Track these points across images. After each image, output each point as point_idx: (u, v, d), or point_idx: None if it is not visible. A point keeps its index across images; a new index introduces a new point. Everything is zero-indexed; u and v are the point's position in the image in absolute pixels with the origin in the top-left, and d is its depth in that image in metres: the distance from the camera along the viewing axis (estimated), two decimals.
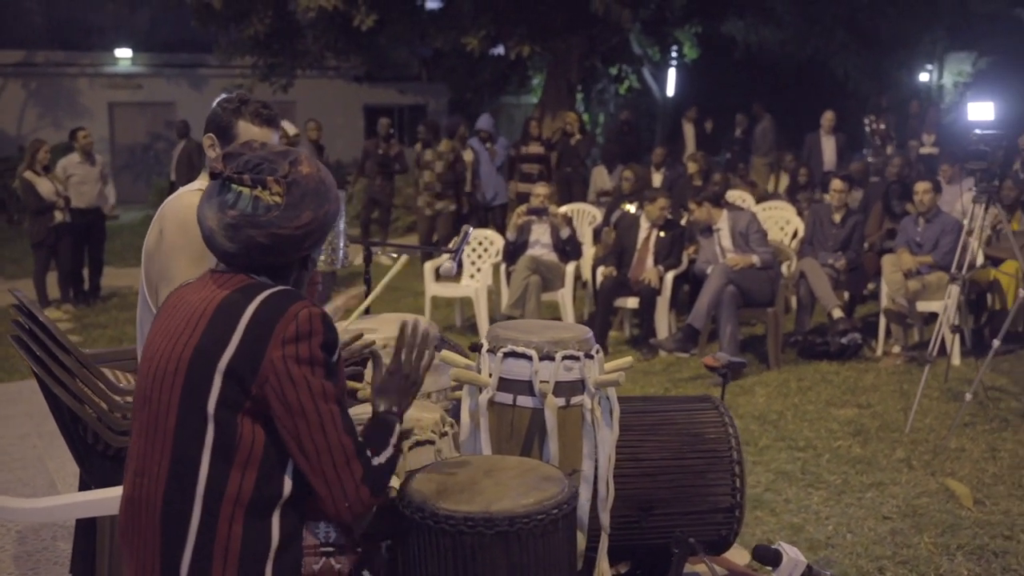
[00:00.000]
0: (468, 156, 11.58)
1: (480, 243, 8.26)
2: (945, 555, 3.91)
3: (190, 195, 2.81)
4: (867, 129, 11.74)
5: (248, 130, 2.70)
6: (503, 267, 7.78)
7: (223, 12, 12.39)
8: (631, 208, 8.08)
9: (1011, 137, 7.53)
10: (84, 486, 3.18)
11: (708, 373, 5.53)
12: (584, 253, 8.31)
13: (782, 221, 8.74)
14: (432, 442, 2.35)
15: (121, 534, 1.95)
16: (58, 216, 8.86)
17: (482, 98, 18.37)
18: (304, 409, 1.82)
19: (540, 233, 7.72)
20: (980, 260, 6.88)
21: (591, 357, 2.37)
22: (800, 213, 8.92)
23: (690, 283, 7.47)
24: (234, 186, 1.89)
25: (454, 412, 2.65)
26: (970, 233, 5.61)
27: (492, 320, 7.37)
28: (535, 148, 11.16)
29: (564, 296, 7.55)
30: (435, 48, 14.93)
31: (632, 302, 7.33)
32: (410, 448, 2.32)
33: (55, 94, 18.87)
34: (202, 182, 2.85)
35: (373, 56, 14.77)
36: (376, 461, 1.91)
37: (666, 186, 10.30)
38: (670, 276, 7.26)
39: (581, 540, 2.40)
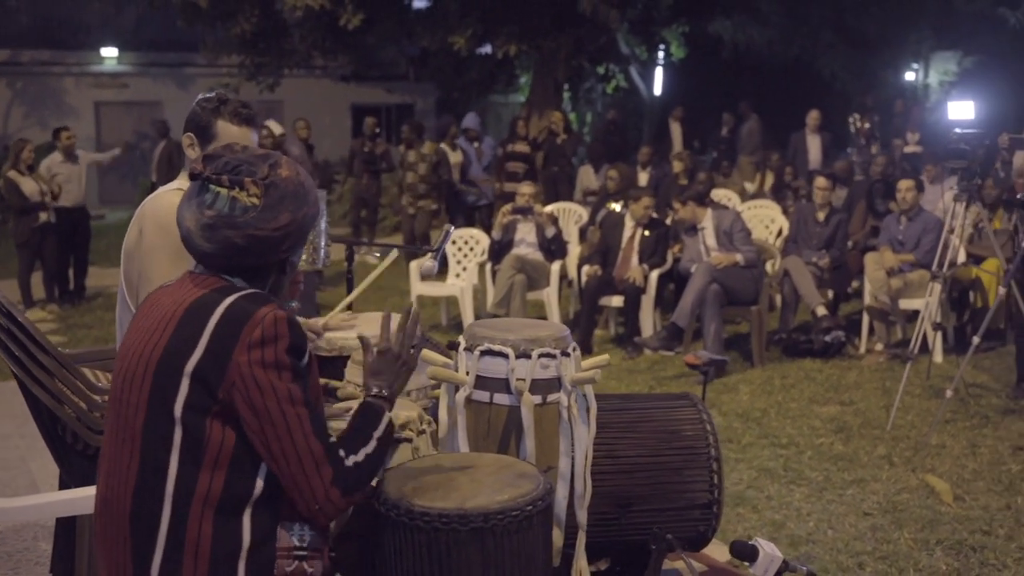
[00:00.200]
0: (457, 157, 11.60)
1: (466, 242, 8.27)
2: (924, 550, 3.95)
3: (169, 195, 2.82)
4: (852, 128, 11.79)
5: (227, 129, 2.71)
6: (489, 266, 7.79)
7: (209, 11, 12.37)
8: (616, 207, 8.10)
9: (992, 136, 7.57)
10: (64, 486, 3.17)
11: (693, 371, 5.56)
12: (570, 252, 8.34)
13: (767, 219, 8.78)
14: (410, 440, 2.36)
15: (95, 534, 1.96)
16: (42, 216, 8.83)
17: (469, 97, 18.36)
18: (271, 414, 1.83)
19: (525, 232, 7.74)
20: (962, 258, 6.93)
21: (568, 355, 2.38)
22: (785, 212, 8.96)
23: (675, 282, 7.50)
24: (212, 187, 1.89)
25: (434, 410, 2.66)
26: (951, 231, 5.66)
27: (478, 319, 7.38)
28: (521, 147, 11.19)
29: (549, 295, 7.57)
30: (422, 47, 14.93)
31: (617, 301, 7.36)
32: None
33: (41, 93, 18.78)
34: (181, 182, 2.86)
35: (360, 55, 14.77)
36: (352, 460, 1.90)
37: (652, 185, 10.34)
38: (655, 275, 7.29)
39: (559, 537, 2.41)
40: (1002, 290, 5.40)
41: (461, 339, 2.44)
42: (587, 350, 7.10)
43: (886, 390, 6.13)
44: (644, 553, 2.75)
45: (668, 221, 7.75)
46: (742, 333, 7.57)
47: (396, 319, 2.11)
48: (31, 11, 18.87)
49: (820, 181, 7.64)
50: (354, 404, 2.27)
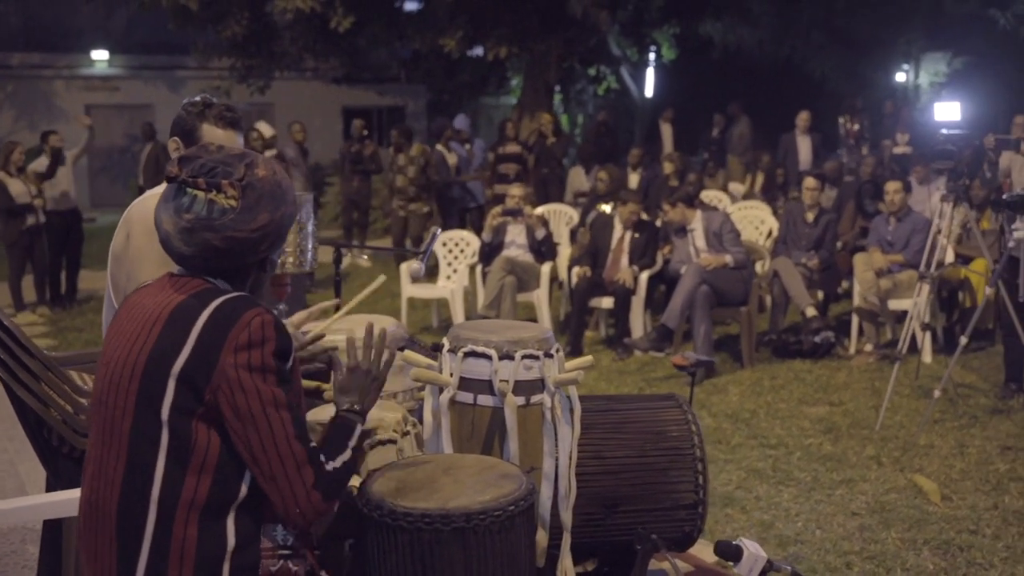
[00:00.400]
0: (454, 158, 11.60)
1: (456, 244, 8.28)
2: (912, 550, 3.97)
3: (156, 198, 2.81)
4: (841, 130, 11.83)
5: (212, 133, 2.71)
6: (479, 268, 7.80)
7: (200, 14, 12.36)
8: (606, 208, 8.12)
9: (979, 136, 7.61)
10: (51, 489, 3.17)
11: (683, 372, 5.58)
12: (561, 253, 8.35)
13: (757, 221, 8.80)
14: (394, 441, 2.37)
15: (79, 537, 1.96)
16: (30, 219, 8.79)
17: (461, 99, 18.39)
18: (254, 417, 1.83)
19: (516, 234, 7.75)
20: (950, 258, 6.96)
21: (551, 356, 2.39)
22: (775, 213, 8.98)
23: (665, 283, 7.51)
24: (189, 190, 1.89)
25: (420, 412, 2.66)
26: (939, 232, 5.68)
27: (468, 321, 7.39)
28: (512, 148, 11.20)
29: (540, 297, 7.58)
30: (413, 49, 14.94)
31: (607, 302, 7.37)
32: (372, 448, 2.33)
33: (31, 96, 18.74)
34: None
35: (351, 58, 14.77)
36: (331, 466, 1.91)
37: (643, 186, 10.35)
38: (644, 276, 7.31)
39: (543, 537, 2.42)
40: (989, 290, 5.43)
41: (445, 341, 2.45)
42: (578, 351, 7.11)
43: (875, 390, 6.15)
44: (631, 553, 2.76)
45: (658, 223, 7.77)
46: (732, 334, 7.59)
47: (372, 324, 2.12)
48: (21, 14, 18.83)
49: (809, 182, 7.67)
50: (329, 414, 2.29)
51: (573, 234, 8.98)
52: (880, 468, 4.88)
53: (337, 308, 3.90)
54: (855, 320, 7.20)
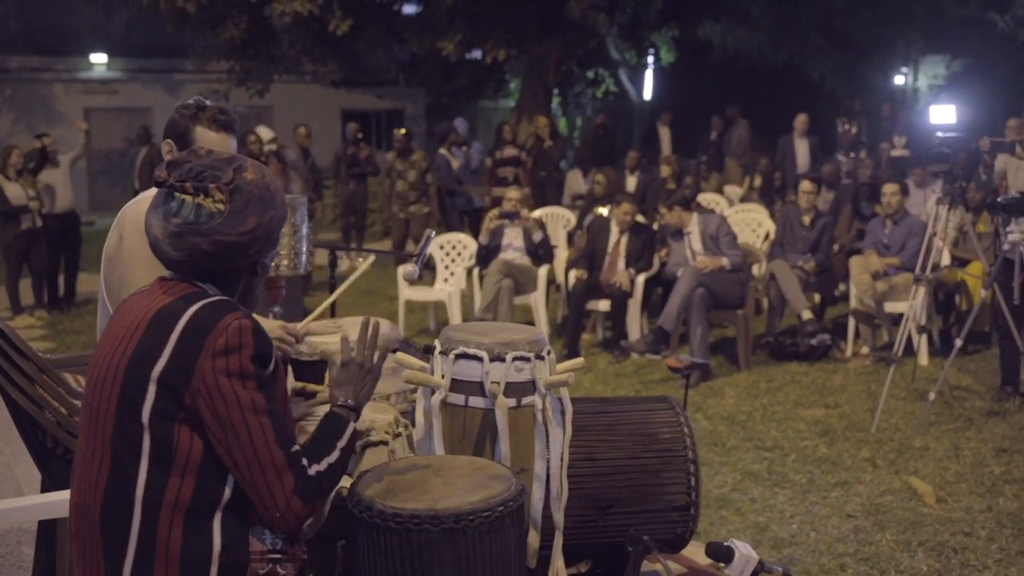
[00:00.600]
0: (457, 162, 11.60)
1: (453, 247, 8.29)
2: (906, 552, 3.97)
3: (149, 201, 2.82)
4: (840, 132, 11.85)
5: (205, 136, 2.72)
6: (476, 271, 7.81)
7: (198, 17, 12.37)
8: (603, 211, 8.13)
9: (975, 140, 7.61)
10: (46, 490, 3.18)
11: (678, 375, 5.59)
12: (558, 256, 8.36)
13: (754, 223, 8.81)
14: (385, 443, 2.38)
15: (70, 538, 1.97)
16: (25, 222, 8.80)
17: (459, 102, 18.41)
18: (233, 422, 1.83)
19: (513, 237, 7.75)
20: (946, 261, 6.97)
21: (541, 358, 2.40)
22: (773, 215, 8.99)
23: (662, 286, 7.52)
24: (177, 194, 1.90)
25: (413, 414, 2.67)
26: (934, 234, 5.70)
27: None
28: (509, 152, 11.20)
29: (536, 299, 7.58)
30: (412, 53, 14.96)
31: (604, 305, 7.38)
32: (364, 449, 2.34)
33: (30, 100, 18.75)
34: None
35: (350, 61, 14.78)
36: (314, 469, 1.90)
37: (640, 189, 10.36)
38: (641, 279, 7.32)
39: (535, 538, 2.43)
40: (984, 292, 5.44)
41: (437, 343, 2.46)
42: (575, 354, 7.11)
43: (871, 393, 6.15)
44: (623, 555, 2.76)
45: (655, 226, 7.78)
46: (728, 337, 7.60)
47: (370, 325, 2.13)
48: (20, 17, 18.85)
49: (805, 185, 7.68)
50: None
51: (570, 237, 8.99)
52: (875, 470, 4.89)
53: (333, 311, 3.91)
54: (851, 323, 7.20)
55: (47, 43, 18.80)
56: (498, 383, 2.31)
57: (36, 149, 9.34)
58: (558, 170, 11.83)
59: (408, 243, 10.75)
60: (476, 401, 2.35)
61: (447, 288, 7.93)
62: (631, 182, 10.65)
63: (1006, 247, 5.26)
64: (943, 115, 5.89)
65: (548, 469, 2.43)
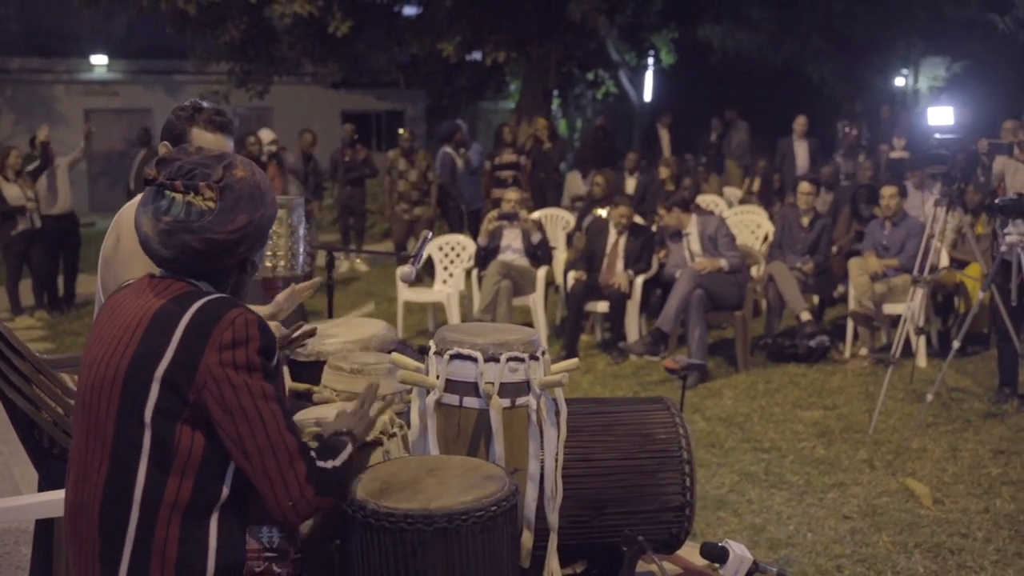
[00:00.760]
0: (461, 162, 11.60)
1: (453, 248, 8.29)
2: (902, 553, 3.98)
3: None
4: (840, 135, 11.86)
5: (202, 137, 2.72)
6: (475, 272, 7.81)
7: (199, 19, 12.37)
8: (602, 213, 8.15)
9: (973, 141, 7.62)
10: (43, 490, 3.18)
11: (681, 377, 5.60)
12: (557, 258, 8.36)
13: (753, 225, 8.82)
14: (380, 443, 2.38)
15: (65, 537, 1.98)
16: (21, 223, 8.80)
17: (460, 104, 18.41)
18: (245, 410, 1.84)
19: (511, 238, 7.76)
20: (944, 263, 6.97)
21: (536, 359, 2.41)
22: (772, 217, 9.00)
23: (661, 287, 7.53)
24: (167, 192, 1.90)
25: (408, 414, 2.68)
26: (932, 236, 5.70)
27: None
28: (508, 156, 11.19)
29: (535, 300, 7.59)
30: (412, 54, 14.96)
31: (602, 306, 7.39)
32: (358, 449, 2.34)
33: (30, 101, 18.77)
34: None
35: (350, 62, 14.79)
36: (322, 464, 1.93)
37: (639, 191, 10.37)
38: (639, 280, 7.33)
39: (528, 538, 2.43)
40: (982, 294, 5.44)
41: (431, 343, 2.47)
42: (573, 355, 7.12)
43: (869, 394, 6.16)
44: (619, 555, 2.77)
45: (654, 227, 7.79)
46: (727, 338, 7.60)
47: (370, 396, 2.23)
48: (21, 19, 18.87)
49: (804, 186, 7.69)
50: (319, 415, 2.32)
51: (569, 238, 9.00)
52: (872, 472, 4.89)
53: (329, 314, 3.92)
54: (850, 324, 7.21)
55: (48, 44, 18.82)
56: (492, 383, 2.32)
57: (33, 150, 9.34)
58: (557, 172, 11.83)
59: (410, 243, 10.76)
60: (471, 401, 2.36)
61: (446, 289, 7.94)
62: (630, 184, 10.66)
63: (1003, 249, 5.27)
64: (941, 117, 5.89)
65: (542, 469, 2.43)
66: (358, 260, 11.57)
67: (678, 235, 7.27)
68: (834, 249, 7.96)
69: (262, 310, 2.80)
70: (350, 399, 2.68)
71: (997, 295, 5.45)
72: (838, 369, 6.85)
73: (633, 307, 7.32)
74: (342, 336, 3.23)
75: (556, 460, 2.47)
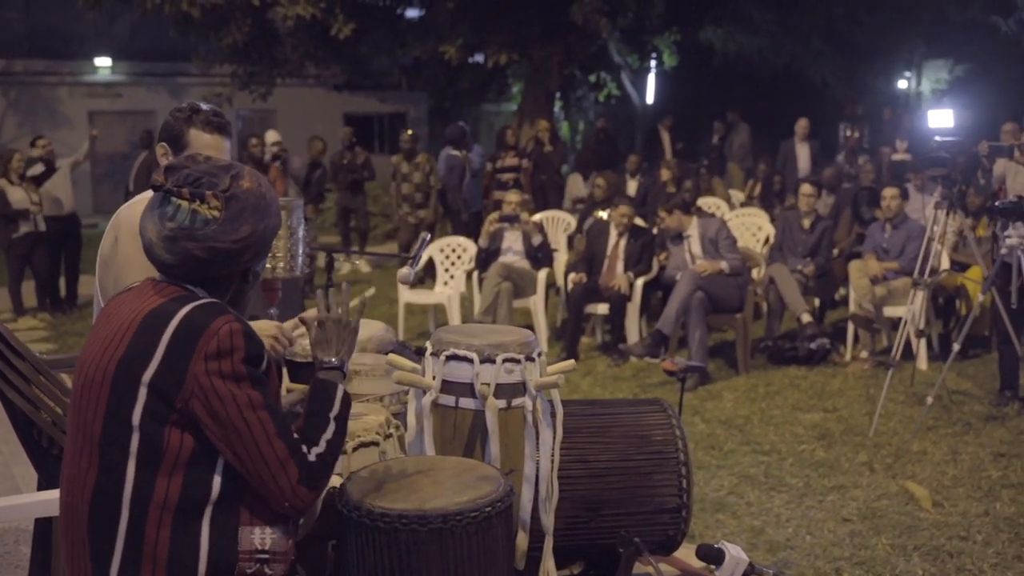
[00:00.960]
0: (470, 164, 11.59)
1: (453, 250, 8.30)
2: (901, 556, 3.97)
3: (143, 204, 2.83)
4: (841, 137, 11.87)
5: (199, 138, 2.73)
6: (476, 274, 7.82)
7: (202, 21, 12.40)
8: (603, 215, 8.15)
9: (974, 144, 7.62)
10: (42, 490, 3.19)
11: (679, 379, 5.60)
12: (558, 260, 8.37)
13: (754, 227, 8.82)
14: (376, 443, 2.39)
15: (60, 537, 1.99)
16: (24, 226, 8.82)
17: (462, 106, 18.42)
18: (233, 421, 1.86)
19: (512, 240, 7.77)
20: (945, 265, 6.97)
21: (532, 360, 2.41)
22: (773, 219, 9.00)
23: (661, 289, 7.53)
24: (174, 199, 1.91)
25: (405, 415, 2.68)
26: (932, 238, 5.70)
27: None
28: (511, 160, 11.19)
29: (536, 303, 7.59)
30: (414, 57, 14.99)
31: (603, 308, 7.40)
32: (354, 450, 2.35)
33: (34, 103, 18.83)
34: None
35: (353, 65, 14.81)
36: (314, 454, 1.93)
37: (640, 193, 10.37)
38: (640, 282, 7.33)
39: (523, 539, 2.44)
40: (982, 297, 5.44)
41: (428, 344, 2.47)
42: (574, 357, 7.13)
43: (870, 397, 6.15)
44: (616, 557, 2.77)
45: (655, 230, 7.79)
46: (727, 340, 7.60)
47: (332, 294, 2.15)
48: (25, 21, 18.94)
49: (805, 188, 7.69)
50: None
51: (570, 240, 9.00)
52: (872, 474, 4.89)
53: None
54: (850, 327, 7.20)
55: (51, 47, 18.88)
56: (488, 384, 2.33)
57: (36, 157, 9.37)
58: (559, 174, 11.83)
59: (412, 247, 10.76)
60: (466, 402, 2.37)
61: (447, 291, 7.95)
62: (632, 186, 10.67)
63: (1004, 251, 5.26)
64: (941, 119, 5.90)
65: (538, 471, 2.44)
66: (358, 261, 11.59)
67: (679, 237, 7.27)
68: (835, 251, 7.96)
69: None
70: None
71: (998, 298, 5.45)
72: (838, 372, 6.84)
73: (633, 309, 7.32)
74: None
75: (552, 461, 2.48)
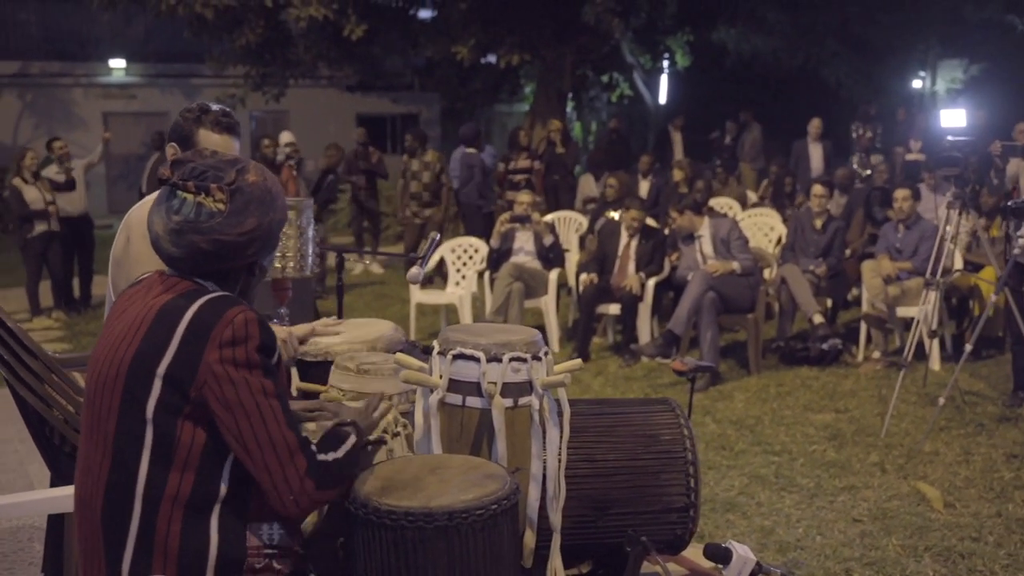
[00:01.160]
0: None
1: (465, 251, 8.32)
2: (912, 557, 3.96)
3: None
4: (853, 136, 11.83)
5: (208, 138, 2.75)
6: (487, 274, 7.83)
7: (215, 22, 12.46)
8: (615, 215, 8.15)
9: (987, 143, 7.58)
10: (55, 487, 3.22)
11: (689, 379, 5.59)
12: (570, 260, 8.37)
13: (766, 227, 8.80)
14: (384, 442, 2.40)
15: (74, 532, 2.01)
16: (39, 226, 8.89)
17: (474, 107, 18.44)
18: (245, 406, 1.87)
19: (524, 240, 7.78)
20: (958, 265, 6.94)
21: (539, 359, 2.42)
22: (785, 220, 8.97)
23: (673, 290, 7.53)
24: (180, 193, 1.94)
25: (414, 414, 2.69)
26: (945, 239, 5.68)
27: None
28: (523, 163, 11.18)
29: (547, 303, 7.60)
30: (427, 57, 15.02)
31: (614, 309, 7.39)
32: (362, 448, 2.36)
33: (50, 104, 18.97)
34: None
35: (365, 65, 14.85)
36: (323, 457, 1.96)
37: (653, 193, 10.36)
38: (651, 283, 7.32)
39: (530, 538, 2.44)
40: (993, 297, 5.41)
41: (435, 343, 2.48)
42: (585, 357, 7.14)
43: (882, 398, 6.13)
44: (624, 555, 2.77)
45: (666, 230, 7.79)
46: (740, 341, 7.59)
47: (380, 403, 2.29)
48: (41, 23, 19.08)
49: (817, 189, 7.67)
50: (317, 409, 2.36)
51: (582, 241, 9.00)
52: (883, 475, 4.87)
53: (339, 314, 3.94)
54: (863, 327, 7.18)
55: (67, 49, 19.03)
56: (495, 383, 2.33)
57: (50, 153, 9.45)
58: (572, 175, 11.83)
59: (421, 246, 10.77)
60: (473, 401, 2.37)
61: (458, 291, 7.97)
62: (644, 186, 10.65)
63: (1017, 251, 5.24)
64: (953, 119, 5.87)
65: (545, 469, 2.44)
66: (369, 262, 11.61)
67: (690, 237, 7.26)
68: (847, 252, 7.93)
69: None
70: (356, 398, 2.70)
71: (1011, 298, 5.42)
72: (851, 372, 6.82)
73: (645, 309, 7.31)
74: (349, 336, 3.25)
75: (559, 460, 2.48)
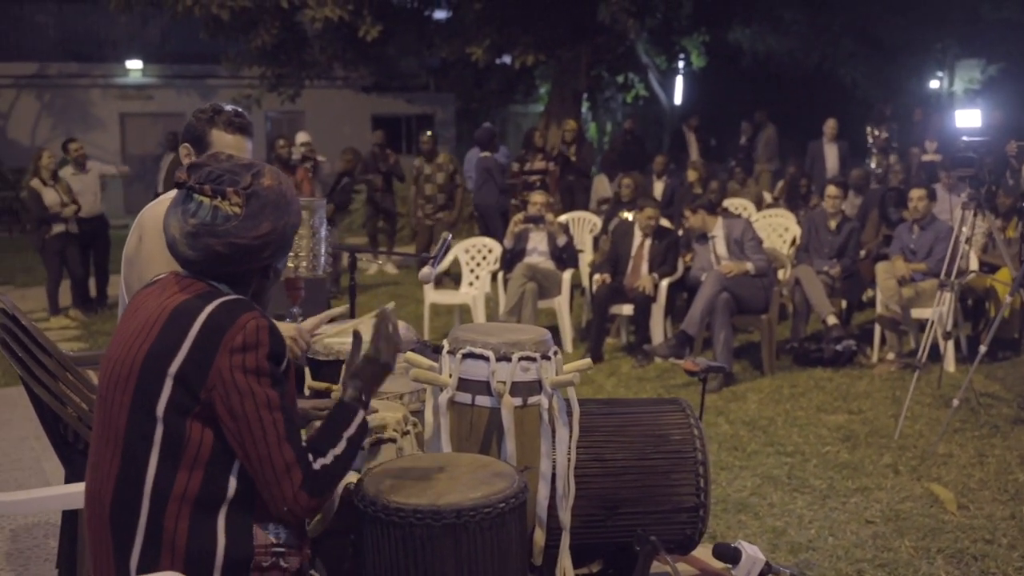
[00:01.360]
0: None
1: (479, 251, 8.33)
2: (925, 559, 3.94)
3: (167, 203, 2.88)
4: (869, 139, 11.77)
5: (221, 138, 2.77)
6: (501, 274, 7.85)
7: (231, 24, 12.53)
8: (628, 216, 8.15)
9: (1003, 144, 7.52)
10: (69, 483, 3.25)
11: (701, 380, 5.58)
12: (584, 260, 8.37)
13: (780, 228, 8.78)
14: (394, 440, 2.42)
15: (84, 528, 2.03)
16: (56, 227, 8.96)
17: (489, 107, 18.46)
18: (247, 418, 1.89)
19: (537, 241, 7.78)
20: (974, 267, 6.90)
21: (548, 358, 2.43)
22: (799, 220, 8.94)
23: (686, 290, 7.52)
24: (196, 196, 1.96)
25: (424, 413, 2.71)
26: (960, 240, 5.65)
27: None
28: (538, 164, 11.17)
29: (560, 303, 7.61)
30: (442, 58, 15.05)
31: (628, 309, 7.39)
32: (372, 446, 2.38)
33: (67, 105, 19.13)
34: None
35: (381, 66, 14.90)
36: (319, 464, 1.95)
37: (667, 194, 10.34)
38: (665, 283, 7.31)
39: (540, 536, 2.45)
40: (1009, 299, 5.38)
41: (445, 342, 2.50)
42: (598, 358, 7.14)
43: (895, 399, 6.10)
44: (633, 555, 2.77)
45: (680, 231, 7.78)
46: (753, 342, 7.57)
47: (387, 311, 2.15)
48: (58, 25, 19.25)
49: (831, 190, 7.64)
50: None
51: (596, 241, 9.00)
52: (897, 476, 4.85)
53: (352, 314, 3.96)
54: (877, 329, 7.15)
55: (84, 50, 19.18)
56: (504, 382, 2.34)
57: (66, 155, 9.53)
58: (587, 176, 11.82)
59: (433, 248, 10.78)
60: (483, 400, 2.38)
61: (472, 291, 7.98)
62: (658, 187, 10.64)
63: None
64: (969, 119, 5.84)
65: (554, 468, 2.45)
66: (383, 262, 11.64)
67: (704, 238, 7.25)
68: (862, 253, 7.90)
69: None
70: None
71: None
72: (865, 373, 6.79)
73: (658, 310, 7.31)
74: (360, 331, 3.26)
75: (568, 459, 2.49)
